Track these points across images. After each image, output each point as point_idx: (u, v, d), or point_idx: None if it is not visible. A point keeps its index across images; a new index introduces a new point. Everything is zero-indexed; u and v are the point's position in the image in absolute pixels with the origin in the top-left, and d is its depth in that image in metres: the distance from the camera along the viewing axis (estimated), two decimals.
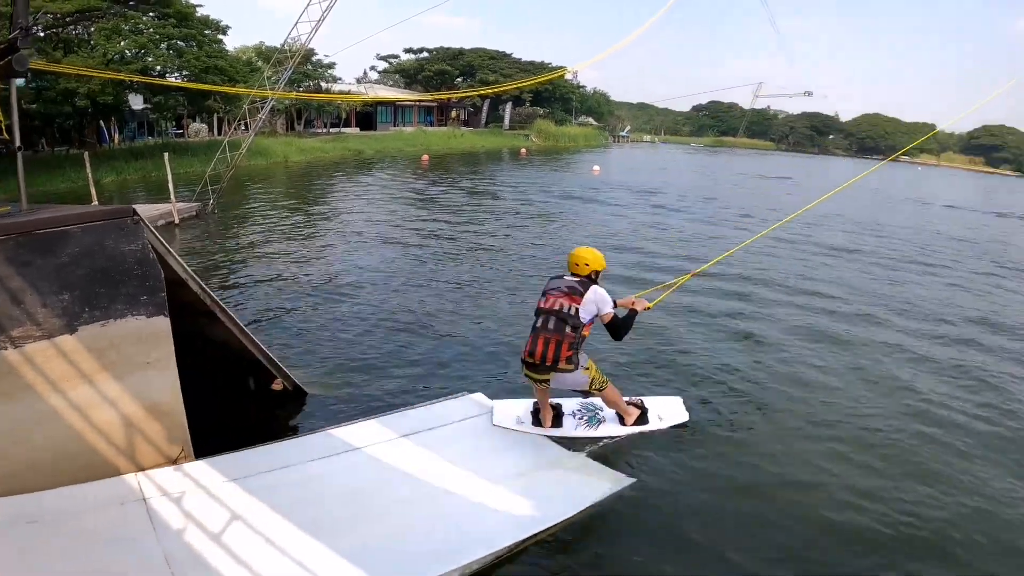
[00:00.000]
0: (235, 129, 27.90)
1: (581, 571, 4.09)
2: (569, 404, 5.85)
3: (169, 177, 15.56)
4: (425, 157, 38.51)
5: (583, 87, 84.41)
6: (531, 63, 71.15)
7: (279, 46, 21.69)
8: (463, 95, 54.22)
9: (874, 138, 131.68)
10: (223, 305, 5.26)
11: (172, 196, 15.42)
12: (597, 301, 5.10)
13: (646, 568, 4.23)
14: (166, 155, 16.58)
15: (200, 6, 27.50)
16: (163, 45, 26.05)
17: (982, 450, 6.10)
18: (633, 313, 5.40)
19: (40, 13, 21.30)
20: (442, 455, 4.92)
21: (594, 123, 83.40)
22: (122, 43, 24.63)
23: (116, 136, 31.13)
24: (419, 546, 3.89)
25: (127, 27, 24.75)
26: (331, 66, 45.33)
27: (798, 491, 5.17)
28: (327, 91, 42.11)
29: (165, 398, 4.39)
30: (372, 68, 69.31)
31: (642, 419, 5.69)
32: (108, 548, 3.59)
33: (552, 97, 73.39)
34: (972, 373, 8.42)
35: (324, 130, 47.39)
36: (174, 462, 4.41)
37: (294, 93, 32.36)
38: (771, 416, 6.41)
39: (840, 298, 11.56)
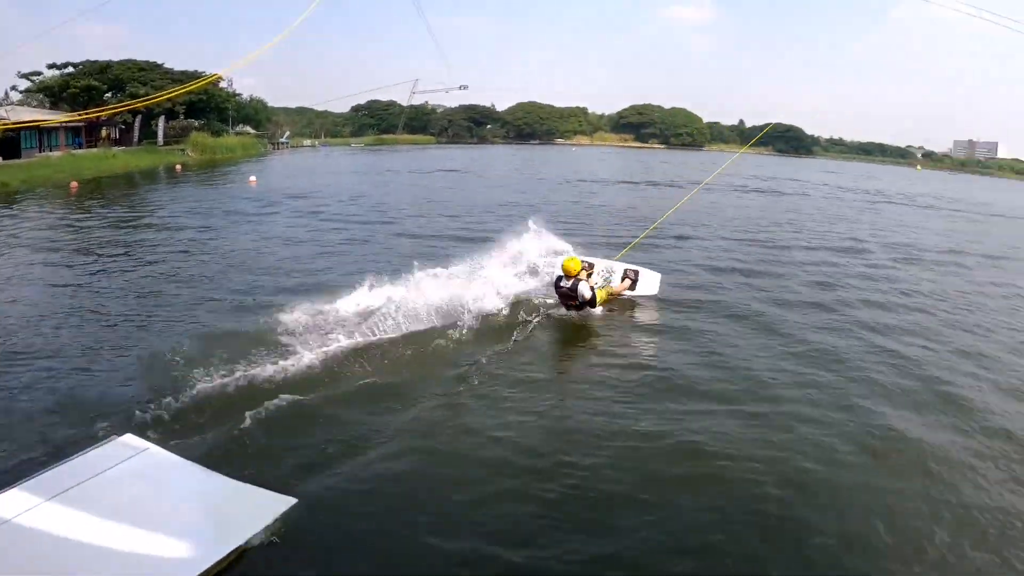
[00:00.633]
0: None
1: None
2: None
3: None
4: (74, 184, 34.52)
5: (239, 95, 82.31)
6: (184, 72, 67.11)
7: None
8: (112, 111, 48.83)
9: (530, 124, 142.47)
10: None
11: None
12: (582, 291, 10.81)
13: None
14: None
15: None
16: None
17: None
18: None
19: None
20: (101, 508, 4.71)
21: (252, 131, 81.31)
22: None
23: None
24: None
25: None
26: None
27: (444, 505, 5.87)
28: None
29: None
30: (13, 88, 61.03)
31: (632, 287, 12.33)
32: None
33: (207, 108, 70.49)
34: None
35: None
36: None
37: None
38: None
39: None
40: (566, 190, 39.72)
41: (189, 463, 5.46)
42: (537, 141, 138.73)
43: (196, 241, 18.34)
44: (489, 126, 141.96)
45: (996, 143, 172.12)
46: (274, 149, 79.76)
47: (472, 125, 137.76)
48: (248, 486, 5.17)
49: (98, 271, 14.22)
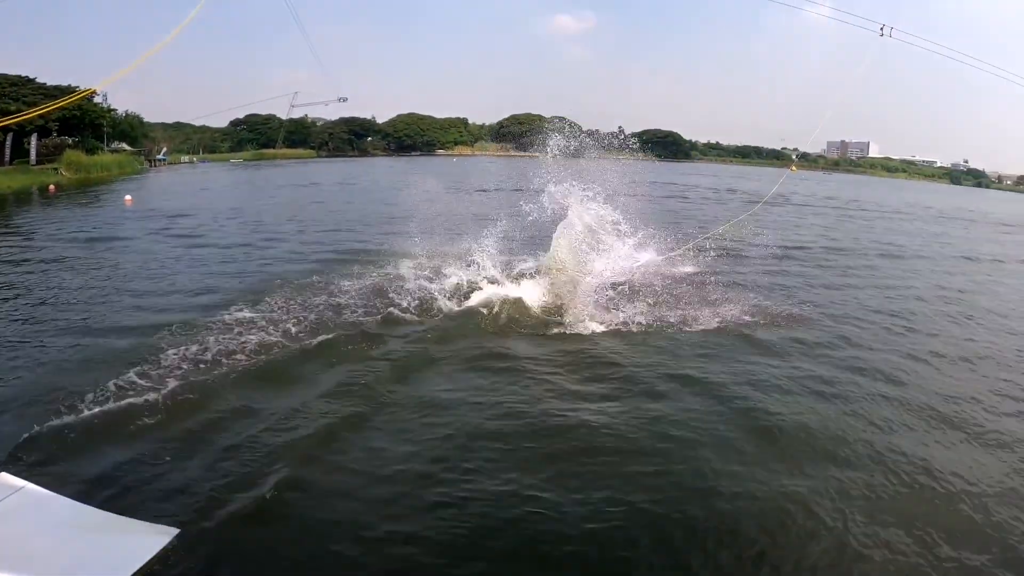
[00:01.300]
0: None
1: None
2: None
3: None
4: None
5: (114, 110, 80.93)
6: (58, 87, 64.78)
7: None
8: None
9: (411, 136, 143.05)
10: None
11: None
12: None
13: None
14: None
15: None
16: None
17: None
18: None
19: None
20: None
21: (128, 148, 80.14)
22: None
23: None
24: None
25: None
26: None
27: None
28: None
29: None
30: None
31: None
32: None
33: (81, 124, 69.12)
34: None
35: None
36: None
37: None
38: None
39: None
40: (452, 199, 38.12)
41: (66, 499, 5.31)
42: (418, 152, 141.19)
43: (67, 267, 17.85)
44: (370, 138, 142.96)
45: (868, 143, 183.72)
46: (151, 166, 78.68)
47: (353, 138, 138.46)
48: (128, 519, 5.09)
49: None
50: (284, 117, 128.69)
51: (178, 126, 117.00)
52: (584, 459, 7.55)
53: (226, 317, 11.88)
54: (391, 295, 13.79)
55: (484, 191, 42.72)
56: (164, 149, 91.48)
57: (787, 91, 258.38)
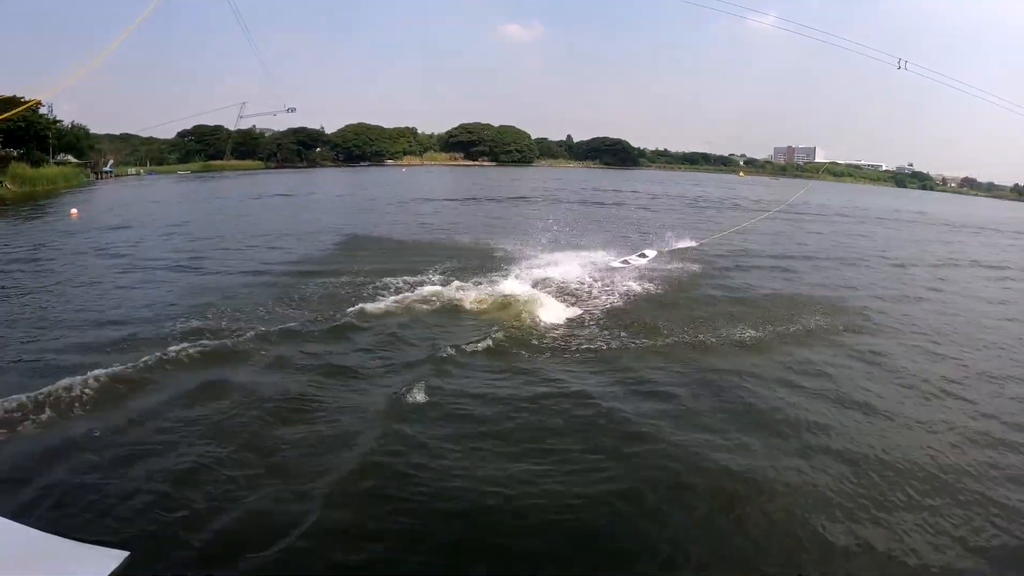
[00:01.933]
0: None
1: None
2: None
3: None
4: None
5: (60, 122, 79.89)
6: (1, 98, 60.99)
7: None
8: None
9: (360, 146, 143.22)
10: None
11: None
12: None
13: None
14: None
15: None
16: None
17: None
18: None
19: None
20: None
21: (74, 160, 79.47)
22: None
23: None
24: None
25: None
26: None
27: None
28: None
29: None
30: None
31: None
32: None
33: (26, 136, 68.01)
34: None
35: None
36: None
37: None
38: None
39: None
40: (397, 212, 41.40)
41: (11, 523, 5.13)
42: (367, 163, 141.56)
43: (11, 281, 17.82)
44: (319, 149, 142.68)
45: (814, 148, 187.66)
46: (98, 179, 78.26)
47: (301, 148, 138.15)
48: (75, 543, 4.90)
49: None
50: (232, 128, 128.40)
51: (125, 137, 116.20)
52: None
53: (170, 332, 12.08)
54: (335, 306, 14.37)
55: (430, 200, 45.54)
56: (111, 161, 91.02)
57: (735, 98, 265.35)
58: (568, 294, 16.51)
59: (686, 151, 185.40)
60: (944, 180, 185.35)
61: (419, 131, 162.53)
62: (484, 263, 19.69)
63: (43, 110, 72.40)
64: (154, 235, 28.74)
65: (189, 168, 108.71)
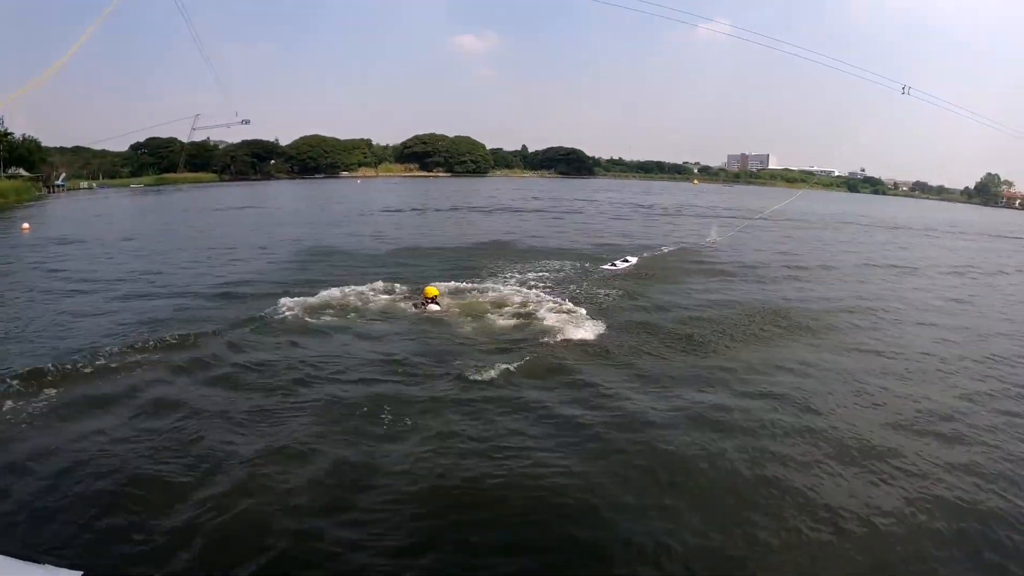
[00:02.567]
0: None
1: None
2: None
3: None
4: None
5: (10, 134, 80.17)
6: None
7: None
8: None
9: (315, 158, 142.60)
10: None
11: None
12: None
13: None
14: None
15: None
16: None
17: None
18: None
19: None
20: None
21: (26, 174, 79.29)
22: None
23: None
24: None
25: None
26: None
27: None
28: None
29: None
30: None
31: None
32: None
33: None
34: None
35: None
36: None
37: None
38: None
39: None
40: (356, 223, 42.47)
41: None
42: (322, 175, 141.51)
43: None
44: (273, 161, 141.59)
45: (768, 155, 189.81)
46: (50, 193, 77.75)
47: (256, 161, 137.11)
48: (26, 563, 4.66)
49: None
50: (186, 140, 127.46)
51: (77, 151, 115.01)
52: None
53: (121, 347, 11.90)
54: (287, 317, 14.53)
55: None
56: (63, 175, 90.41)
57: (688, 106, 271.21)
58: (547, 297, 17.34)
59: (640, 160, 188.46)
60: (896, 184, 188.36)
61: (374, 142, 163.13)
62: (459, 270, 20.88)
63: None
64: (106, 249, 28.71)
65: (142, 182, 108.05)
